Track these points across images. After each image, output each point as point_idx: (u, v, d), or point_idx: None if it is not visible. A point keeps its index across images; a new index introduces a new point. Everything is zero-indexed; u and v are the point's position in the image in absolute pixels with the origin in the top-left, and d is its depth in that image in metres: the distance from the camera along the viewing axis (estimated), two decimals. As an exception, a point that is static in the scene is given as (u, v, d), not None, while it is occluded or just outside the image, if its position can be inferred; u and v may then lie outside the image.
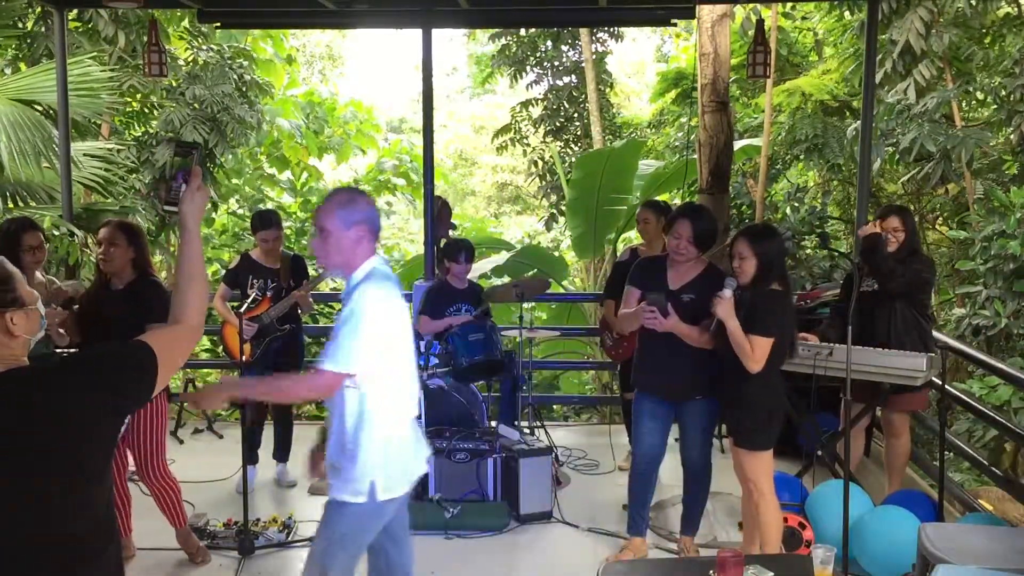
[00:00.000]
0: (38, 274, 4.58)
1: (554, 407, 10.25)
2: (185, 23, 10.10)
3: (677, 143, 12.39)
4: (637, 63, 23.67)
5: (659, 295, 4.08)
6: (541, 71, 13.88)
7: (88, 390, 1.82)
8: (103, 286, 4.32)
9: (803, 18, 12.70)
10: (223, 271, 11.87)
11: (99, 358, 1.90)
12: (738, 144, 9.94)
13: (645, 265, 4.47)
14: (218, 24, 7.40)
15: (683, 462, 4.41)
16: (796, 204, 9.68)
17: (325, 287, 8.10)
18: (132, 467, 4.54)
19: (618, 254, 11.27)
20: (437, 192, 7.13)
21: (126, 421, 4.35)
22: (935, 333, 4.97)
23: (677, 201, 10.70)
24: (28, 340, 1.90)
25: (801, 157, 10.73)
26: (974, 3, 8.32)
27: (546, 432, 5.98)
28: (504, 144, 14.09)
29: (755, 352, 3.81)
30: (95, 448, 1.84)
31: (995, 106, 9.32)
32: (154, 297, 4.31)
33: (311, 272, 5.87)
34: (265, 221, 5.39)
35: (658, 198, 9.20)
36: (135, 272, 4.30)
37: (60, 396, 1.79)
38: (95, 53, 8.26)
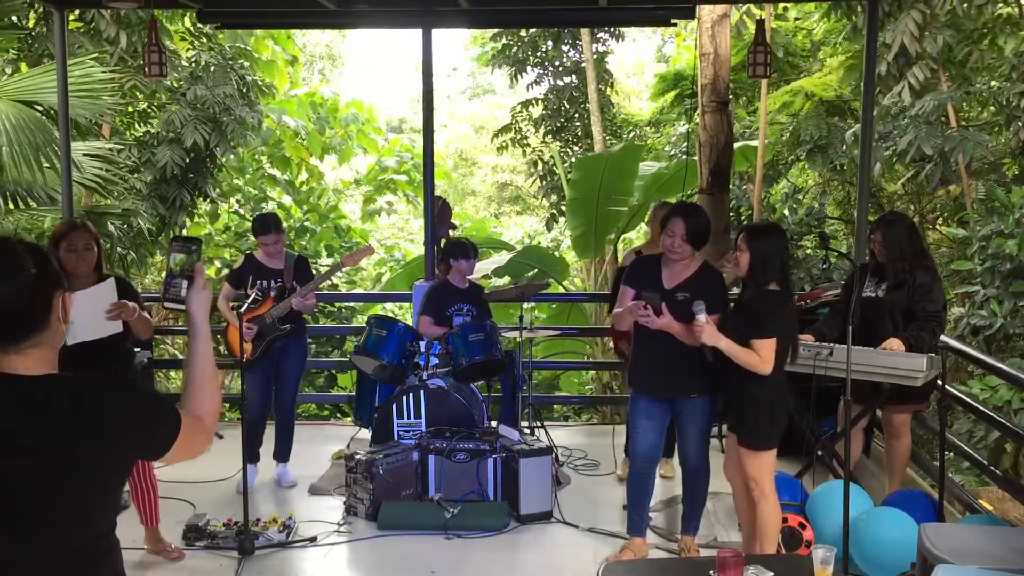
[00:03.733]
0: None
1: (554, 407, 10.26)
2: (187, 23, 10.11)
3: (676, 142, 12.40)
4: (637, 63, 23.68)
5: (653, 294, 4.09)
6: (542, 71, 13.89)
7: (126, 416, 1.85)
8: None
9: (796, 19, 12.70)
10: (227, 270, 12.02)
11: (145, 395, 1.92)
12: (735, 146, 9.95)
13: (640, 264, 4.47)
14: (218, 24, 7.41)
15: (681, 461, 4.41)
16: (794, 205, 9.68)
17: (325, 287, 8.10)
18: None
19: (618, 254, 11.34)
20: (438, 191, 7.13)
21: None
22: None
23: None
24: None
25: (803, 157, 10.74)
26: (966, 5, 8.31)
27: (546, 432, 5.98)
28: (504, 144, 14.10)
29: (763, 355, 3.81)
30: (121, 462, 1.87)
31: (994, 109, 9.32)
32: (131, 295, 4.28)
33: (320, 271, 5.88)
34: (265, 226, 5.38)
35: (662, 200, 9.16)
36: (95, 275, 4.21)
37: (104, 407, 1.82)
38: (96, 54, 8.27)
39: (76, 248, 4.17)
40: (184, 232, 11.22)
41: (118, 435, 1.83)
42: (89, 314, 3.91)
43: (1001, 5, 8.89)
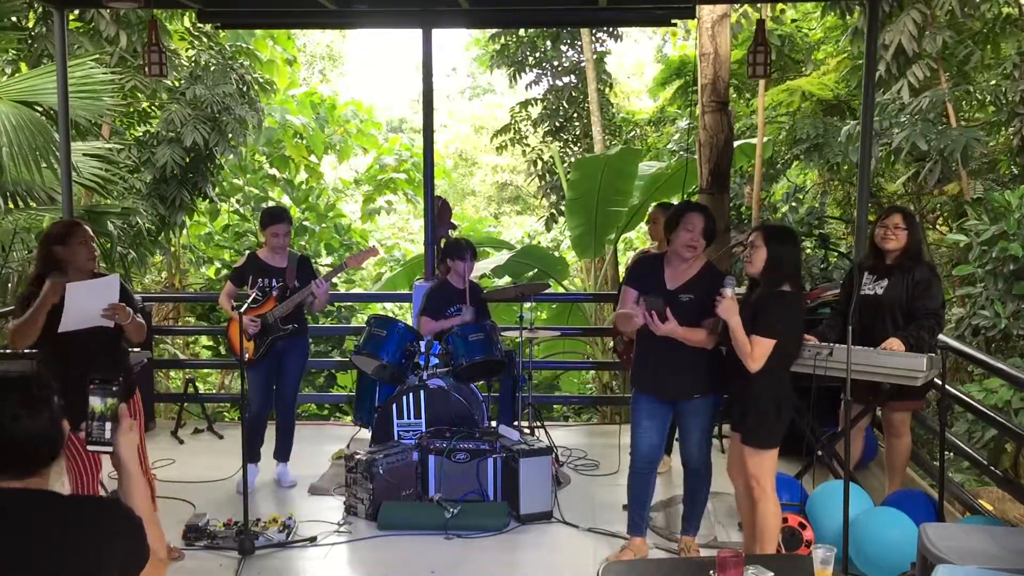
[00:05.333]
0: None
1: (554, 407, 10.26)
2: (187, 23, 10.11)
3: (678, 139, 12.40)
4: (637, 63, 23.69)
5: (657, 298, 4.07)
6: (541, 71, 13.89)
7: (110, 543, 1.85)
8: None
9: (793, 21, 12.71)
10: (226, 271, 12.02)
11: (133, 529, 1.91)
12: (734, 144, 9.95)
13: (642, 264, 4.45)
14: (218, 24, 7.41)
15: (684, 462, 4.40)
16: (795, 204, 9.69)
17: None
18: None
19: (619, 254, 11.35)
20: (438, 191, 7.13)
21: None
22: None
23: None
24: None
25: (801, 157, 10.74)
26: (966, 8, 8.34)
27: (546, 432, 5.98)
28: (504, 144, 14.10)
29: (754, 351, 3.81)
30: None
31: (994, 108, 9.32)
32: (126, 297, 4.28)
33: (321, 271, 5.89)
34: (275, 216, 5.41)
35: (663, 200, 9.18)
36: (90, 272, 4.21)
37: (89, 532, 1.82)
38: (97, 55, 8.26)
39: (86, 242, 4.16)
40: (184, 231, 11.22)
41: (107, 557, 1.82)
42: (86, 305, 3.94)
43: (1004, 5, 8.90)
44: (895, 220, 4.72)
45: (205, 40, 10.31)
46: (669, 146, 13.00)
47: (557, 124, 13.74)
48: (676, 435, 4.53)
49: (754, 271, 3.93)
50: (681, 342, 4.09)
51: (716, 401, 4.25)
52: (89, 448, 2.10)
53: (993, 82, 8.98)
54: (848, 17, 9.53)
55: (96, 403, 2.08)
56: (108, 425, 2.09)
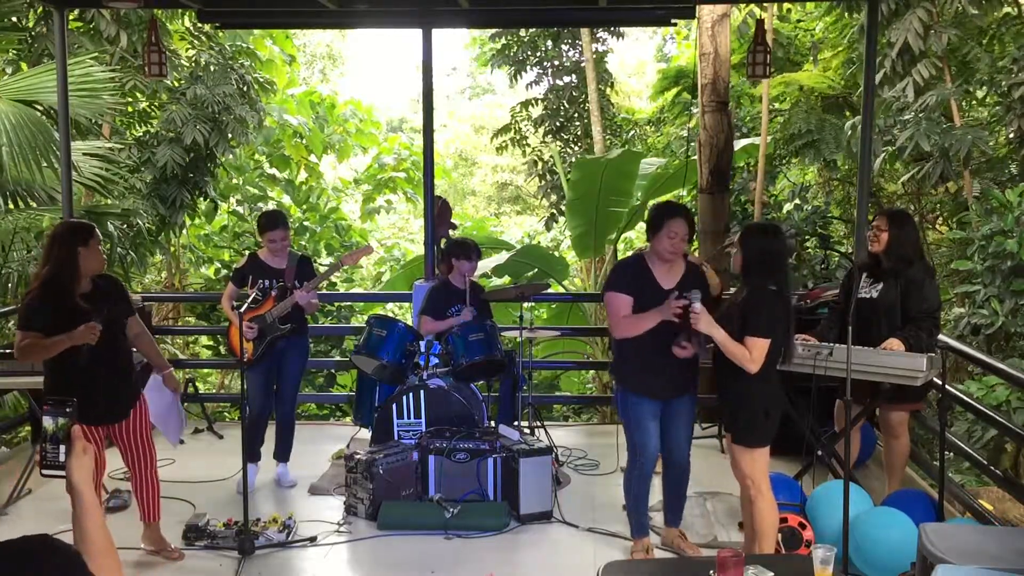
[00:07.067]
0: None
1: (554, 407, 10.26)
2: (187, 23, 10.11)
3: (679, 139, 12.40)
4: (638, 63, 23.69)
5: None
6: (541, 71, 13.89)
7: None
8: (70, 295, 4.03)
9: (798, 21, 12.70)
10: (225, 271, 12.02)
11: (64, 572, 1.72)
12: (738, 144, 9.94)
13: (625, 268, 4.35)
14: (218, 24, 7.41)
15: (671, 458, 4.43)
16: (800, 203, 9.69)
17: (322, 287, 8.07)
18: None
19: (619, 254, 11.34)
20: (438, 191, 7.13)
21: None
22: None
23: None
24: None
25: (797, 153, 10.74)
26: (975, 11, 8.35)
27: (546, 432, 5.98)
28: (504, 144, 14.10)
29: (753, 353, 3.82)
30: None
31: (996, 101, 9.32)
32: (123, 291, 4.31)
33: (321, 271, 5.89)
34: (272, 221, 5.40)
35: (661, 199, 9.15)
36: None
37: None
38: (96, 54, 8.26)
39: (99, 244, 4.15)
40: (184, 231, 11.21)
41: None
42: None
43: (1004, 5, 8.91)
44: (877, 222, 4.79)
45: (205, 40, 10.31)
46: (670, 147, 12.99)
47: (557, 124, 13.73)
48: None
49: (736, 271, 3.99)
50: (668, 342, 4.12)
51: (696, 398, 4.38)
52: (43, 473, 1.97)
53: (998, 76, 8.97)
54: (847, 17, 9.52)
55: (48, 423, 1.98)
56: (62, 448, 1.96)
